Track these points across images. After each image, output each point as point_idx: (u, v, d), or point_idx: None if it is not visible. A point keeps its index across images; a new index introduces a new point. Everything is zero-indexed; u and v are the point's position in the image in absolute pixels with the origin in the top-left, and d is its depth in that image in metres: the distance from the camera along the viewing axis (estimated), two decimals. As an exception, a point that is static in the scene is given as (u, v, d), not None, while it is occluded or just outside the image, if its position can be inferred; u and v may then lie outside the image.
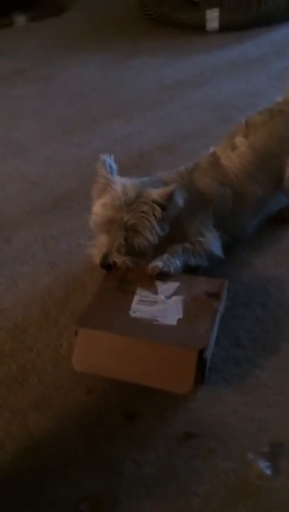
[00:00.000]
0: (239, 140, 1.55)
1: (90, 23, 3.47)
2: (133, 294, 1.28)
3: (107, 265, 1.35)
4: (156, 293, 1.28)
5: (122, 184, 1.39)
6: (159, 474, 1.03)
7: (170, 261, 1.35)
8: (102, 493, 1.01)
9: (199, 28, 3.09)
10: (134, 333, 1.19)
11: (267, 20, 3.01)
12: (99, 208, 1.39)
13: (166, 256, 1.36)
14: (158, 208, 1.33)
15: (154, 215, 1.33)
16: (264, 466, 1.02)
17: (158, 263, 1.33)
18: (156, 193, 1.35)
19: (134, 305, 1.25)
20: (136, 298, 1.27)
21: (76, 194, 1.90)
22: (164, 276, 1.32)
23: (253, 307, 1.36)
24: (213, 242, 1.44)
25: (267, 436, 1.07)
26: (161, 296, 1.27)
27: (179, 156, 2.00)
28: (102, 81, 2.71)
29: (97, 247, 1.40)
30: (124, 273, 1.34)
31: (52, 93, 2.66)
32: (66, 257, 1.62)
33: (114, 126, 2.30)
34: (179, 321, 1.20)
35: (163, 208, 1.34)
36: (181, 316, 1.21)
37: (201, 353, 1.12)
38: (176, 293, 1.28)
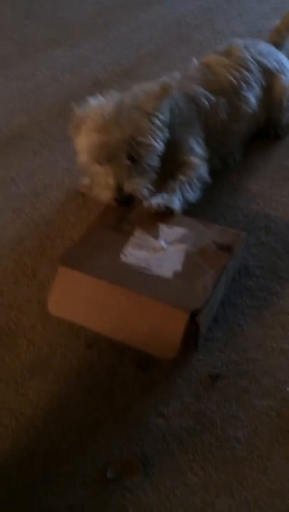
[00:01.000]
0: (237, 48, 1.39)
1: None
2: (130, 236, 1.09)
3: (126, 198, 1.13)
4: (156, 238, 1.09)
5: (96, 105, 1.18)
6: (190, 424, 0.91)
7: (171, 198, 1.16)
8: (130, 455, 0.88)
9: None
10: (119, 280, 1.00)
11: None
12: (84, 139, 1.16)
13: (164, 194, 1.17)
14: (160, 116, 1.15)
15: (149, 120, 1.14)
16: (304, 399, 0.92)
17: (159, 200, 1.14)
18: (146, 99, 1.16)
19: (128, 248, 1.07)
20: (131, 240, 1.08)
21: (29, 131, 1.66)
22: (169, 214, 1.13)
23: (255, 233, 1.23)
24: (203, 166, 1.27)
25: (300, 367, 0.97)
26: (161, 242, 1.08)
27: (139, 80, 1.76)
28: (35, 7, 2.39)
29: (101, 182, 1.17)
30: (126, 211, 1.14)
31: (-21, 23, 2.31)
32: (32, 201, 1.40)
33: (58, 55, 2.03)
34: (176, 273, 1.01)
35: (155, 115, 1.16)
36: (179, 268, 1.02)
37: (194, 315, 0.94)
38: (180, 240, 1.08)
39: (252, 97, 1.36)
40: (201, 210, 1.25)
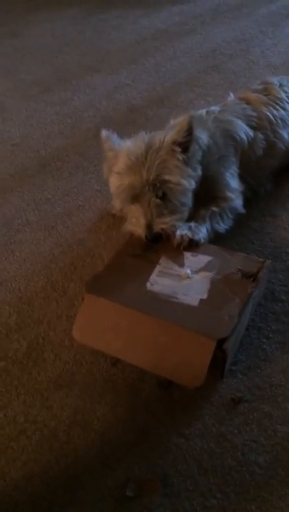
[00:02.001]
0: (273, 87, 1.44)
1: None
2: (155, 264, 1.11)
3: (155, 236, 1.15)
4: (182, 266, 1.10)
5: (126, 146, 1.21)
6: (211, 446, 0.91)
7: (198, 229, 1.17)
8: (150, 474, 0.88)
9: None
10: (145, 308, 1.00)
11: None
12: (114, 182, 1.21)
13: (192, 224, 1.18)
14: (178, 148, 1.16)
15: (176, 158, 1.16)
16: None
17: (185, 232, 1.14)
18: (169, 135, 1.18)
19: (154, 276, 1.08)
20: (157, 268, 1.10)
21: (65, 154, 1.73)
22: (193, 246, 1.14)
23: (283, 258, 1.24)
24: (237, 199, 1.29)
25: None
26: (186, 270, 1.08)
27: (174, 107, 1.85)
28: (76, 36, 2.50)
29: (134, 221, 1.19)
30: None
31: (22, 50, 2.43)
32: (65, 220, 1.45)
33: (96, 81, 2.11)
34: (202, 301, 1.01)
35: (184, 147, 1.17)
36: (205, 296, 1.02)
37: (221, 343, 0.93)
38: (205, 268, 1.09)
39: (286, 135, 1.40)
40: (229, 234, 1.27)
